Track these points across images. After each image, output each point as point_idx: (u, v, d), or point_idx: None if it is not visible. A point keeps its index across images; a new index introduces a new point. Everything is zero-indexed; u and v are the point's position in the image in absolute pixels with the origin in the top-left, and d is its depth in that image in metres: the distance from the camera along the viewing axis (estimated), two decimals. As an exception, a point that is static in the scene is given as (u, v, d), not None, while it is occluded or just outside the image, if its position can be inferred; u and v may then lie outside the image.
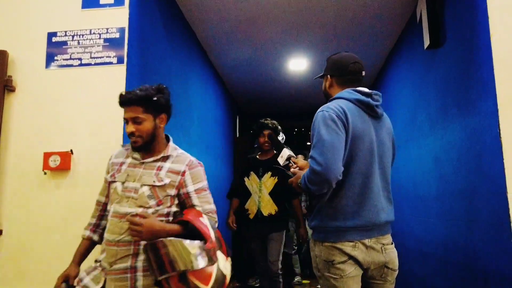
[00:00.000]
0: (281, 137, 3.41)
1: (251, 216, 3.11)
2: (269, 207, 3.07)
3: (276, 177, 3.10)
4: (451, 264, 2.53)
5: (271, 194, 3.09)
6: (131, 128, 1.61)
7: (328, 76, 1.85)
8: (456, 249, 2.43)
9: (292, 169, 1.83)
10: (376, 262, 1.63)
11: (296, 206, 3.21)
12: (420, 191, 3.17)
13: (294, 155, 1.96)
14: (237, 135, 6.49)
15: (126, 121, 1.65)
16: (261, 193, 3.11)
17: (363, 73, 1.81)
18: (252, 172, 3.20)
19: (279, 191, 3.09)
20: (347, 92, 1.73)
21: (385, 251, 1.66)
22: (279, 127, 3.27)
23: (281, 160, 1.96)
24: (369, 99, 1.71)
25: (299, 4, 3.22)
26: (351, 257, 1.59)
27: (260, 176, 3.15)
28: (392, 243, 1.72)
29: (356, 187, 1.62)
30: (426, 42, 2.73)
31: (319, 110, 1.67)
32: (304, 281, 4.95)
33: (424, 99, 3.06)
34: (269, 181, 3.13)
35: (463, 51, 2.28)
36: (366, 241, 1.62)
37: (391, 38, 3.88)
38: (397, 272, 1.71)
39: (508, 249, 1.79)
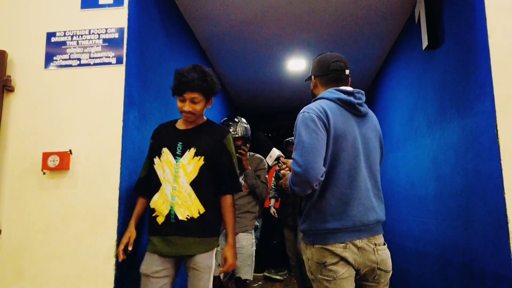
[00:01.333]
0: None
1: (160, 221, 1.95)
2: (188, 207, 1.92)
3: (203, 157, 1.96)
4: (448, 264, 2.54)
5: (193, 184, 1.94)
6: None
7: (312, 76, 1.85)
8: (454, 249, 2.44)
9: (282, 171, 1.83)
10: (368, 264, 1.62)
11: (227, 206, 2.03)
12: (418, 191, 3.18)
13: (283, 155, 1.94)
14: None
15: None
16: (176, 182, 1.94)
17: (347, 71, 1.79)
18: (165, 149, 2.00)
19: (206, 180, 1.97)
20: (329, 92, 1.73)
21: (377, 252, 1.64)
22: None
23: (270, 160, 1.95)
24: (350, 98, 1.70)
25: (297, 5, 3.23)
26: (342, 258, 1.58)
27: (177, 155, 1.98)
28: (384, 244, 1.70)
29: (342, 186, 1.60)
30: (424, 43, 2.74)
31: (300, 111, 1.66)
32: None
33: (422, 99, 3.07)
34: (192, 162, 1.96)
35: (461, 52, 2.29)
36: (357, 242, 1.60)
37: (389, 38, 3.89)
38: (390, 273, 1.69)
39: (506, 249, 1.80)
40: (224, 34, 3.78)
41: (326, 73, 1.78)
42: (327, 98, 1.70)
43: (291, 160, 1.87)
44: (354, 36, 3.83)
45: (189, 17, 3.42)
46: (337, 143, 1.61)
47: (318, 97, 1.75)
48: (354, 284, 1.64)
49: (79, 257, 2.05)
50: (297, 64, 4.61)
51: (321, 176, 1.53)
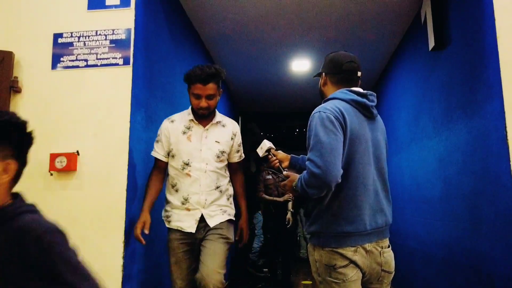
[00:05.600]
0: None
1: None
2: None
3: None
4: (455, 266, 2.53)
5: None
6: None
7: (323, 73, 1.81)
8: (461, 251, 2.43)
9: (284, 172, 1.81)
10: (374, 266, 1.62)
11: None
12: (424, 193, 3.17)
13: (274, 147, 1.92)
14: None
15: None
16: None
17: (359, 73, 1.76)
18: None
19: None
20: (341, 93, 1.70)
21: (383, 255, 1.64)
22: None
23: (261, 151, 1.93)
24: (365, 100, 1.68)
25: (302, 4, 3.23)
26: (352, 262, 1.57)
27: None
28: (389, 246, 1.70)
29: (354, 189, 1.59)
30: (431, 44, 2.73)
31: (315, 110, 1.63)
32: (306, 282, 4.96)
33: (427, 100, 3.06)
34: None
35: (469, 52, 2.28)
36: (367, 246, 1.60)
37: (394, 39, 3.88)
38: (393, 274, 1.70)
39: (515, 251, 1.79)
40: (228, 34, 3.78)
41: (338, 72, 1.74)
42: (340, 99, 1.67)
43: (281, 152, 1.87)
44: (359, 36, 3.82)
45: (193, 18, 3.42)
46: (352, 145, 1.59)
47: (330, 96, 1.72)
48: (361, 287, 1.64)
49: (86, 258, 2.03)
50: (301, 65, 4.60)
51: (339, 178, 1.50)
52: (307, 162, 1.53)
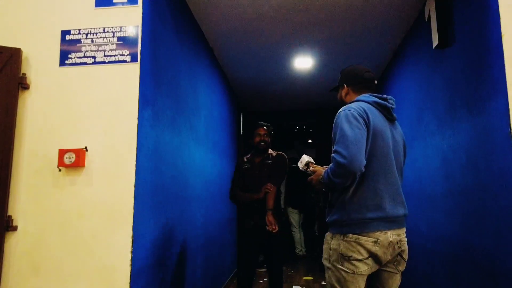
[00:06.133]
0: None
1: None
2: None
3: None
4: (457, 261, 2.56)
5: None
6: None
7: (345, 85, 1.98)
8: (463, 246, 2.46)
9: (311, 167, 1.92)
10: (393, 254, 1.73)
11: None
12: (427, 189, 3.20)
13: (313, 161, 2.04)
14: (241, 132, 6.53)
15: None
16: None
17: (375, 81, 1.99)
18: None
19: None
20: (364, 96, 1.87)
21: (401, 242, 1.75)
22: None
23: (301, 165, 2.05)
24: (385, 102, 1.85)
25: (305, 2, 3.24)
26: (371, 255, 1.66)
27: None
28: (405, 236, 1.81)
29: (377, 181, 1.71)
30: (435, 42, 2.75)
31: (340, 110, 1.78)
32: (307, 278, 4.99)
33: (431, 98, 3.08)
34: None
35: (473, 50, 2.30)
36: (389, 235, 1.69)
37: (397, 36, 3.89)
38: (405, 263, 1.81)
39: (519, 246, 1.82)
40: (231, 32, 3.80)
41: (360, 82, 1.94)
42: (364, 101, 1.83)
43: (319, 166, 1.96)
44: (362, 33, 3.84)
45: (198, 15, 3.43)
46: (374, 140, 1.72)
47: (354, 100, 1.87)
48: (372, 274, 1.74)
49: (95, 253, 2.08)
50: (304, 62, 4.61)
51: (363, 168, 1.63)
52: (333, 154, 1.65)
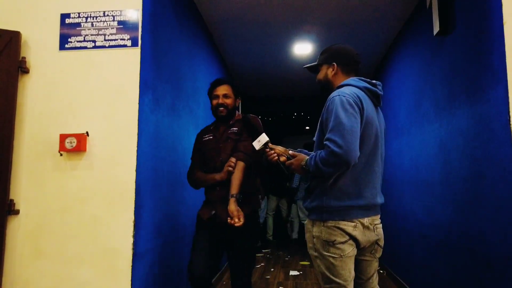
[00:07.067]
0: None
1: None
2: None
3: None
4: (452, 248, 2.61)
5: None
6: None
7: (334, 64, 1.86)
8: (458, 233, 2.51)
9: (291, 151, 1.86)
10: (370, 240, 1.75)
11: None
12: (423, 176, 3.23)
13: (270, 142, 1.92)
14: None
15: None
16: None
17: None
18: None
19: None
20: (354, 80, 1.80)
21: (376, 230, 1.77)
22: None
23: (258, 144, 1.90)
24: (376, 89, 1.80)
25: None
26: (351, 237, 1.69)
27: None
28: (380, 222, 1.84)
29: (360, 170, 1.69)
30: (436, 28, 2.74)
31: (334, 94, 1.71)
32: (304, 262, 5.07)
33: (430, 85, 3.09)
34: None
35: (474, 37, 2.30)
36: (365, 221, 1.72)
37: (397, 23, 3.88)
38: (382, 250, 1.85)
39: (514, 232, 1.86)
40: (231, 17, 3.76)
41: (350, 63, 1.85)
42: (354, 85, 1.76)
43: (279, 146, 1.89)
44: (361, 20, 3.82)
45: (198, 0, 3.40)
46: (365, 129, 1.68)
47: (344, 83, 1.80)
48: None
49: (97, 237, 2.10)
50: (303, 48, 4.60)
51: (357, 158, 1.59)
52: (327, 142, 1.60)
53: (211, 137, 2.34)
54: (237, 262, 2.23)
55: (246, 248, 2.24)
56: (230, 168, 2.16)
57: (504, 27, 1.94)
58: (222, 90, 2.30)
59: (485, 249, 2.16)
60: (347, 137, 1.55)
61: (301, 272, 4.55)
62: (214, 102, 2.32)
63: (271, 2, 3.46)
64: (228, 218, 2.01)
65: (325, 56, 1.90)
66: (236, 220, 1.99)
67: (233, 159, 2.18)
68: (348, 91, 1.69)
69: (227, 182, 2.16)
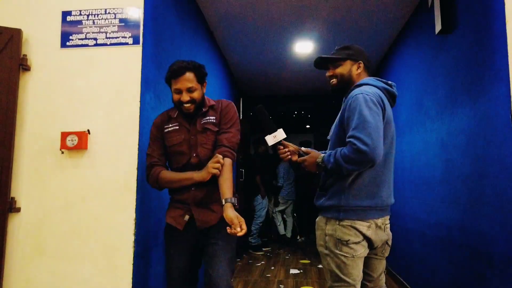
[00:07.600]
0: None
1: None
2: None
3: None
4: (453, 246, 2.61)
5: None
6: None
7: (362, 62, 1.86)
8: (460, 231, 2.51)
9: (303, 148, 1.85)
10: (382, 240, 1.78)
11: None
12: (424, 175, 3.23)
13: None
14: (240, 117, 6.54)
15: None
16: None
17: None
18: None
19: None
20: (374, 80, 1.81)
21: (386, 230, 1.80)
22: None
23: (274, 139, 1.82)
24: (393, 89, 1.83)
25: (309, -14, 3.20)
26: (365, 238, 1.70)
27: None
28: (389, 222, 1.86)
29: (378, 169, 1.71)
30: (438, 27, 2.74)
31: (356, 92, 1.69)
32: (304, 261, 5.07)
33: (431, 84, 3.09)
34: None
35: (476, 36, 2.29)
36: (379, 221, 1.74)
37: (399, 21, 3.87)
38: (389, 249, 1.88)
39: (516, 231, 1.86)
40: (232, 15, 3.76)
41: (370, 64, 1.91)
42: (373, 85, 1.77)
43: (292, 144, 1.88)
44: (363, 18, 3.81)
45: (199, -3, 3.40)
46: (385, 129, 1.69)
47: (362, 82, 1.80)
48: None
49: (98, 234, 2.10)
50: (304, 47, 4.59)
51: (382, 156, 1.60)
52: (351, 139, 1.57)
53: (177, 127, 1.93)
54: (216, 273, 1.78)
55: (227, 255, 1.86)
56: (217, 171, 1.78)
57: (506, 25, 1.94)
58: (185, 83, 1.84)
59: (486, 247, 2.16)
60: (373, 135, 1.55)
61: (301, 271, 4.55)
62: (176, 97, 1.88)
63: (272, 1, 3.45)
64: (227, 227, 1.62)
65: (350, 52, 1.86)
66: (238, 229, 1.59)
67: (220, 158, 1.79)
68: (370, 90, 1.70)
69: (207, 182, 1.82)
